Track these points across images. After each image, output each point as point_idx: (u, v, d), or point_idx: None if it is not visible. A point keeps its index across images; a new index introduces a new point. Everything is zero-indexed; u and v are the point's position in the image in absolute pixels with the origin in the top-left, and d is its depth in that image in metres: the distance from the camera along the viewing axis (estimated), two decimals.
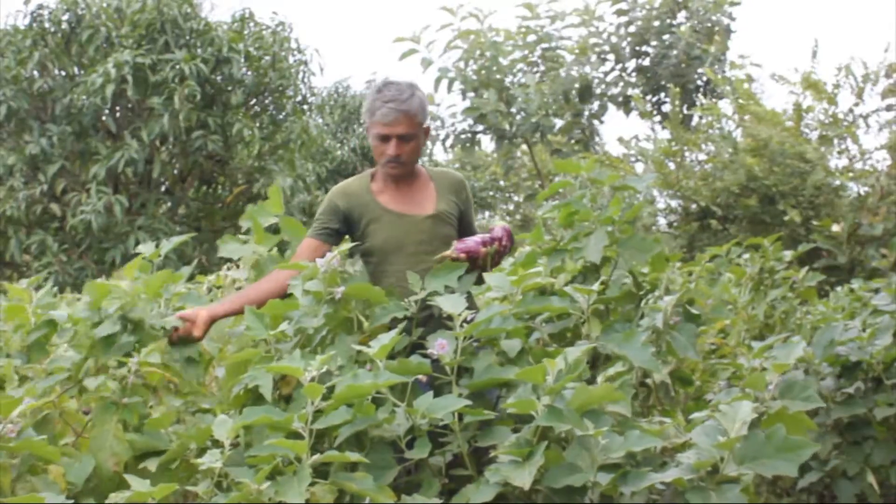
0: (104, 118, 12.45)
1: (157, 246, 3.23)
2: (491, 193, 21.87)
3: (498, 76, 10.96)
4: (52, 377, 2.80)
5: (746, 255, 5.05)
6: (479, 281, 3.10)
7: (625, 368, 2.63)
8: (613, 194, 3.14)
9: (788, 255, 4.94)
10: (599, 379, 2.49)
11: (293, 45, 13.66)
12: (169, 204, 13.26)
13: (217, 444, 2.38)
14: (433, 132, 11.84)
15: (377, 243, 3.19)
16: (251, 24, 13.41)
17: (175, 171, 13.17)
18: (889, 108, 9.04)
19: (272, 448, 2.26)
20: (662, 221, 10.60)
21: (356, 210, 3.22)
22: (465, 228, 3.32)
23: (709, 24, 11.52)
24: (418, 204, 3.25)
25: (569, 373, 2.31)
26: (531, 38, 11.20)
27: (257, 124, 13.26)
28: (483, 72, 10.87)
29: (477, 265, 3.05)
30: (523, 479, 2.16)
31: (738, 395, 2.25)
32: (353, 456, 2.27)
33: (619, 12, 11.45)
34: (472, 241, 3.09)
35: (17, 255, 12.05)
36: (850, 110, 9.14)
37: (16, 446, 2.34)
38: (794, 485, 3.75)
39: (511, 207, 20.87)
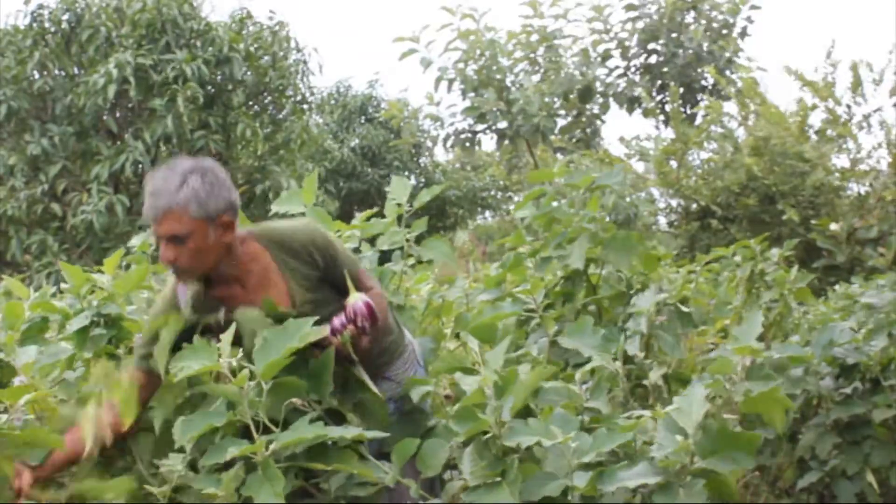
0: (105, 118, 12.45)
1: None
2: (491, 193, 21.88)
3: (498, 76, 10.97)
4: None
5: (738, 258, 5.02)
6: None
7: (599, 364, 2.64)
8: (590, 196, 3.16)
9: (776, 254, 4.90)
10: (577, 376, 2.50)
11: (292, 44, 13.66)
12: None
13: None
14: (433, 132, 11.84)
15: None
16: (249, 25, 13.41)
17: None
18: None
19: (224, 453, 2.18)
20: (663, 221, 10.61)
21: (195, 319, 2.59)
22: (337, 281, 2.61)
23: (721, 25, 11.53)
24: (274, 296, 2.55)
25: (507, 384, 2.25)
26: (534, 37, 11.21)
27: (258, 124, 13.26)
28: (483, 71, 10.89)
29: (342, 354, 2.47)
30: (507, 501, 2.10)
31: (709, 381, 2.23)
32: (310, 433, 2.19)
33: (629, 7, 11.45)
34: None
35: (17, 255, 12.05)
36: (848, 107, 9.14)
37: (21, 434, 2.34)
38: (794, 485, 3.75)
39: (512, 207, 20.88)
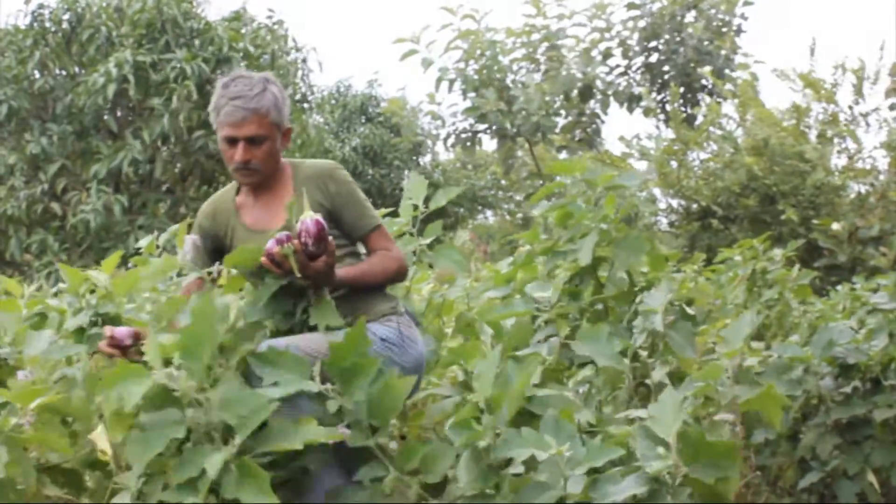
0: (105, 118, 12.44)
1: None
2: (492, 192, 21.88)
3: (498, 76, 10.96)
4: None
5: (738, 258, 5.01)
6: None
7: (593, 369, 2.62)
8: (607, 194, 3.15)
9: (779, 254, 4.89)
10: (570, 383, 2.48)
11: (290, 43, 13.66)
12: (169, 203, 13.26)
13: None
14: (434, 131, 11.85)
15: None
16: (248, 23, 13.39)
17: (176, 171, 13.16)
18: (892, 107, 9.03)
19: (196, 466, 2.09)
20: (664, 221, 10.60)
21: (222, 230, 2.81)
22: (348, 226, 2.72)
23: (719, 24, 11.53)
24: (275, 216, 2.72)
25: (497, 402, 2.23)
26: (535, 36, 11.20)
27: None
28: (484, 71, 10.88)
29: (285, 268, 2.46)
30: None
31: (700, 386, 2.21)
32: (286, 443, 2.15)
33: (631, 6, 11.45)
34: (273, 241, 2.50)
35: (17, 255, 12.05)
36: (850, 107, 9.14)
37: (30, 437, 2.32)
38: (795, 485, 3.75)
39: (512, 206, 20.88)
